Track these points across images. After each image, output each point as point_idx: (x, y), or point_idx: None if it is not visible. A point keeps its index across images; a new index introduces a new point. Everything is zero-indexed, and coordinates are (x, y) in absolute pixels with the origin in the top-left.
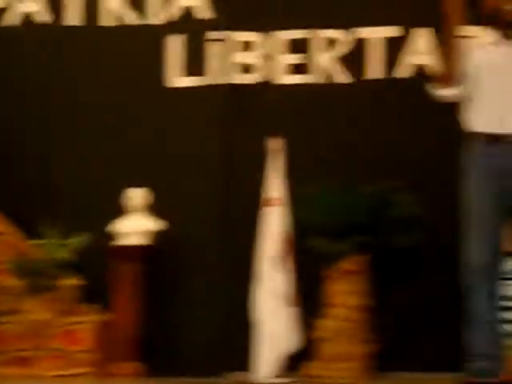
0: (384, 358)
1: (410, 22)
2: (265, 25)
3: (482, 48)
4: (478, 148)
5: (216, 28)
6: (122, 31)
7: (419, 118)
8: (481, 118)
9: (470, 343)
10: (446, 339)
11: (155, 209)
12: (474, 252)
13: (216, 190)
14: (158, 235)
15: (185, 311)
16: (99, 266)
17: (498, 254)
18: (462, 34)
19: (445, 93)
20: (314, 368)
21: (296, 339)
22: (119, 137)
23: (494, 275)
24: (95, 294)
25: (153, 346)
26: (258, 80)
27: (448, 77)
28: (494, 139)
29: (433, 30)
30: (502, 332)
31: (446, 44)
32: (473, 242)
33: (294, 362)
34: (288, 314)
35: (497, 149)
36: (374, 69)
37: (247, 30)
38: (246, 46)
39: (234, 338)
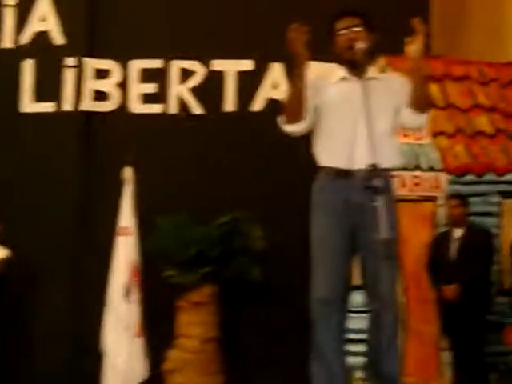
0: None
1: (264, 56)
2: (120, 53)
3: (331, 85)
4: (326, 182)
5: (71, 54)
6: None
7: (272, 151)
8: (329, 153)
9: (316, 376)
10: (292, 372)
11: (5, 236)
12: (322, 285)
13: (70, 217)
14: (5, 263)
15: (32, 339)
16: None
17: (346, 288)
18: (310, 70)
19: (290, 128)
20: None
21: (142, 370)
22: None
23: (342, 309)
24: None
25: None
26: (113, 108)
27: (292, 112)
28: (342, 174)
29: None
30: (348, 365)
31: (291, 80)
32: (320, 275)
33: None
34: (135, 345)
35: (344, 184)
36: (228, 101)
37: (102, 57)
38: (101, 73)
39: (83, 368)
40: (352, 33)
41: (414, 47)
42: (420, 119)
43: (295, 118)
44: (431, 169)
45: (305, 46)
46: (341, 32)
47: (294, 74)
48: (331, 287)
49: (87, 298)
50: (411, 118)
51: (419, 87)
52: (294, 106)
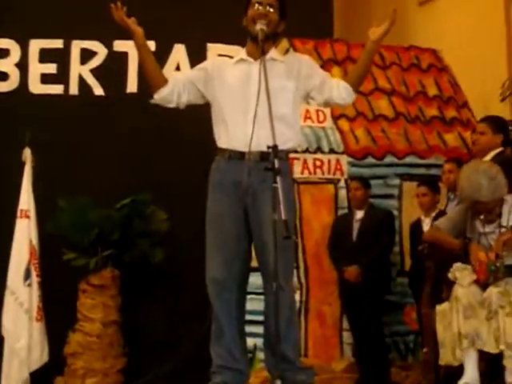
0: (132, 373)
1: (166, 37)
2: (20, 32)
3: (229, 66)
4: (221, 164)
5: None
6: None
7: (175, 133)
8: (227, 135)
9: (215, 356)
10: (193, 354)
11: None
12: (214, 266)
13: None
14: None
15: None
16: None
17: (241, 269)
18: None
19: (156, 97)
20: (64, 383)
21: (42, 354)
22: None
23: (238, 289)
24: None
25: None
26: (12, 88)
27: (149, 82)
28: (236, 156)
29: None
30: (247, 345)
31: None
32: (213, 255)
33: (46, 378)
34: (35, 329)
35: (238, 165)
36: (130, 83)
37: (1, 36)
38: (0, 52)
39: None
40: (264, 9)
41: (379, 30)
42: (353, 96)
43: (154, 86)
44: (332, 151)
45: (128, 21)
46: (255, 6)
47: (135, 46)
48: (225, 268)
49: None
50: (347, 93)
51: (368, 68)
52: (147, 75)
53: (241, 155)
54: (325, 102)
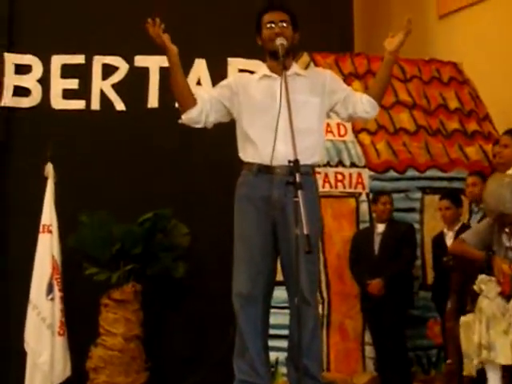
0: None
1: (187, 52)
2: (42, 48)
3: (253, 82)
4: (248, 178)
5: None
6: None
7: (195, 147)
8: (252, 150)
9: (237, 370)
10: (216, 369)
11: None
12: (242, 281)
13: None
14: None
15: None
16: None
17: (268, 284)
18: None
19: (183, 117)
20: None
21: (65, 369)
22: None
23: (263, 304)
24: None
25: None
26: (34, 104)
27: (179, 102)
28: (263, 170)
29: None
30: (270, 360)
31: (169, 71)
32: (241, 270)
33: None
34: (57, 343)
35: (265, 179)
36: (151, 98)
37: (23, 52)
38: (22, 68)
39: (5, 367)
40: (278, 27)
41: (395, 40)
42: (377, 109)
43: (183, 106)
44: (354, 165)
45: (164, 37)
46: (268, 25)
47: (169, 65)
48: (251, 282)
49: (10, 296)
50: (371, 107)
51: (388, 79)
52: (177, 96)
53: (269, 169)
54: (349, 117)
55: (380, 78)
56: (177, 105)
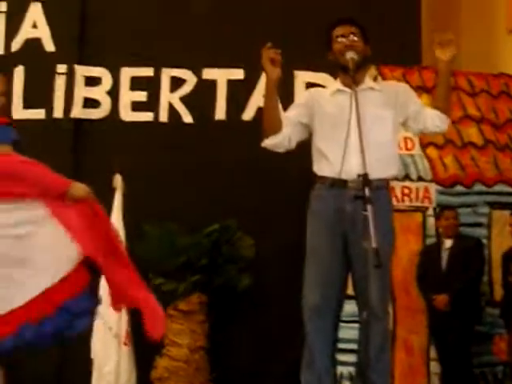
0: None
1: (254, 65)
2: (111, 61)
3: (327, 97)
4: (321, 192)
5: (62, 61)
6: None
7: (262, 160)
8: (325, 163)
9: (305, 382)
10: (282, 381)
11: None
12: (314, 294)
13: None
14: None
15: None
16: None
17: (338, 297)
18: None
19: (267, 142)
20: None
21: (130, 378)
22: None
23: (334, 318)
24: None
25: None
26: (103, 115)
27: (266, 127)
28: (336, 184)
29: None
30: (339, 374)
31: (265, 96)
32: (313, 283)
33: None
34: (123, 353)
35: (338, 193)
36: (219, 110)
37: (93, 64)
38: (92, 80)
39: (72, 377)
40: (349, 40)
41: (448, 52)
42: (447, 122)
43: (269, 131)
44: (421, 179)
45: (277, 66)
46: (338, 39)
47: (266, 91)
48: (323, 296)
49: None
50: (440, 121)
51: (449, 90)
52: (266, 121)
53: (342, 184)
54: (419, 131)
55: (440, 90)
56: (263, 127)
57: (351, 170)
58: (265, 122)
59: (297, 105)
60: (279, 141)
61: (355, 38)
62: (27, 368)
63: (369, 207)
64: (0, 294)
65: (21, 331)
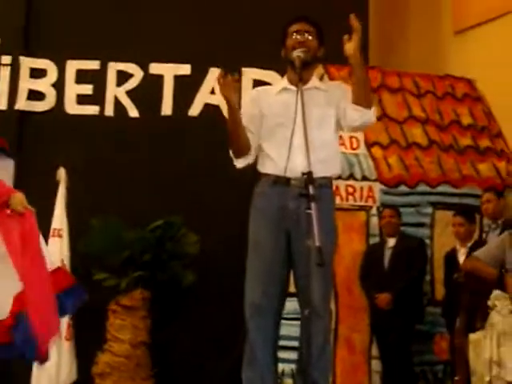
0: None
1: (201, 60)
2: (57, 53)
3: (272, 95)
4: (265, 189)
5: (7, 52)
6: None
7: (207, 155)
8: (269, 161)
9: (246, 381)
10: (223, 377)
11: None
12: (255, 291)
13: None
14: None
15: None
16: None
17: (280, 295)
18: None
19: (239, 163)
20: None
21: (71, 373)
22: None
23: (275, 315)
24: None
25: None
26: (48, 108)
27: (234, 149)
28: (279, 181)
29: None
30: (281, 371)
31: (227, 122)
32: (254, 280)
33: None
34: (64, 348)
35: (281, 191)
36: (165, 105)
37: (39, 56)
38: (37, 72)
39: (12, 371)
40: (303, 37)
41: (351, 44)
42: (367, 115)
43: (240, 152)
44: (365, 178)
45: (235, 92)
46: (293, 35)
47: (230, 116)
48: (264, 293)
49: None
50: (358, 114)
51: (361, 82)
52: (233, 144)
53: (286, 181)
54: (346, 128)
55: (354, 84)
56: (233, 149)
57: (295, 167)
58: (234, 145)
59: (249, 116)
60: (252, 160)
61: (309, 37)
62: None
63: (313, 205)
64: None
65: None
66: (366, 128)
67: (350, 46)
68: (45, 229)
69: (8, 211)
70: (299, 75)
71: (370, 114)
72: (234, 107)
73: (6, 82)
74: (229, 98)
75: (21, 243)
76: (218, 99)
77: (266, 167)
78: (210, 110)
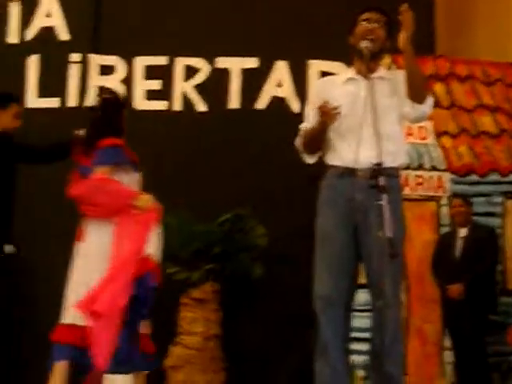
0: None
1: (268, 53)
2: (125, 49)
3: (338, 85)
4: (332, 181)
5: (76, 50)
6: None
7: (275, 148)
8: (336, 152)
9: (319, 374)
10: (295, 370)
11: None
12: (325, 283)
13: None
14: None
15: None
16: None
17: (350, 286)
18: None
19: (307, 159)
20: None
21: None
22: None
23: (346, 307)
24: None
25: None
26: None
27: (310, 149)
28: (347, 173)
29: (289, 62)
30: (352, 363)
31: (316, 128)
32: (323, 273)
33: None
34: None
35: (349, 182)
36: (232, 99)
37: (107, 53)
38: (106, 69)
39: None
40: (372, 25)
41: (401, 37)
42: (420, 110)
43: (311, 151)
44: (434, 168)
45: (333, 120)
46: (363, 22)
47: (316, 130)
48: (334, 285)
49: None
50: (411, 109)
51: (412, 76)
52: (311, 149)
53: (353, 172)
54: (405, 120)
55: (405, 76)
56: (302, 143)
57: (364, 159)
58: (311, 149)
59: (312, 109)
60: (320, 154)
61: (378, 26)
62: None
63: (383, 196)
64: None
65: None
66: (421, 121)
67: (400, 39)
68: None
69: (135, 212)
70: (367, 66)
71: (422, 109)
72: (326, 128)
73: (76, 80)
74: (325, 124)
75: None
76: (284, 92)
77: (333, 159)
78: (277, 102)
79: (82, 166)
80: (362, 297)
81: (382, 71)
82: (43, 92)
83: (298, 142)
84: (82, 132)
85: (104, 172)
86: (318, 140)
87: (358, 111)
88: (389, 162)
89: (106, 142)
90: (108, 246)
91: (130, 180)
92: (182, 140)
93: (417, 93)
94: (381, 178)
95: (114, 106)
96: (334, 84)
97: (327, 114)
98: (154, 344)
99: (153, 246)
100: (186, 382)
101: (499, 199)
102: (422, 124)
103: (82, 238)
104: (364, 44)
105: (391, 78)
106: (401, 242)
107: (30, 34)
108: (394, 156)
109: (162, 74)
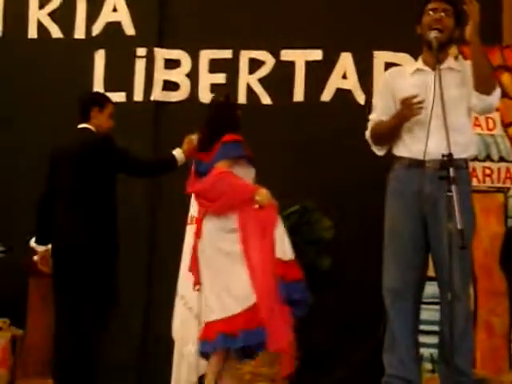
0: (300, 380)
1: (333, 45)
2: (190, 43)
3: (407, 76)
4: (400, 172)
5: (142, 44)
6: (49, 44)
7: (340, 140)
8: (404, 144)
9: (387, 364)
10: (363, 362)
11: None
12: (393, 276)
13: (141, 206)
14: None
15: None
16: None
17: (418, 279)
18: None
19: (376, 150)
20: None
21: None
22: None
23: (414, 299)
24: (5, 309)
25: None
26: (182, 98)
27: (382, 141)
28: (415, 164)
29: (353, 53)
30: (420, 355)
31: (393, 121)
32: (392, 265)
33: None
34: None
35: (418, 174)
36: (297, 91)
37: (173, 47)
38: (171, 63)
39: (153, 357)
40: (439, 15)
41: (467, 28)
42: (487, 101)
43: (382, 143)
44: (502, 160)
45: (414, 114)
46: (430, 12)
47: (397, 121)
48: (401, 277)
49: (158, 286)
50: (478, 100)
51: (479, 67)
52: (384, 140)
53: (421, 164)
54: (476, 111)
55: (472, 68)
56: (374, 135)
57: (433, 150)
58: (384, 141)
59: (383, 102)
60: (387, 150)
61: (446, 16)
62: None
63: (453, 188)
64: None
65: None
66: (488, 113)
67: (467, 30)
68: (183, 217)
69: (255, 206)
70: (436, 57)
71: (489, 101)
72: (406, 121)
73: (142, 74)
74: (407, 118)
75: (257, 235)
76: (350, 84)
77: (401, 150)
78: (342, 94)
79: (201, 162)
80: (430, 289)
81: (450, 62)
82: (110, 86)
83: (369, 133)
84: (194, 136)
85: (224, 166)
86: (394, 132)
87: (427, 102)
88: (458, 154)
89: (227, 138)
90: (222, 242)
91: (247, 175)
92: (246, 133)
93: (484, 84)
94: (451, 169)
95: (226, 106)
96: (402, 75)
97: (410, 108)
98: None
99: (287, 246)
100: (253, 374)
101: None
102: (489, 115)
103: (199, 235)
104: (433, 34)
105: (460, 69)
106: (470, 234)
107: (97, 29)
108: (463, 147)
109: (227, 67)
